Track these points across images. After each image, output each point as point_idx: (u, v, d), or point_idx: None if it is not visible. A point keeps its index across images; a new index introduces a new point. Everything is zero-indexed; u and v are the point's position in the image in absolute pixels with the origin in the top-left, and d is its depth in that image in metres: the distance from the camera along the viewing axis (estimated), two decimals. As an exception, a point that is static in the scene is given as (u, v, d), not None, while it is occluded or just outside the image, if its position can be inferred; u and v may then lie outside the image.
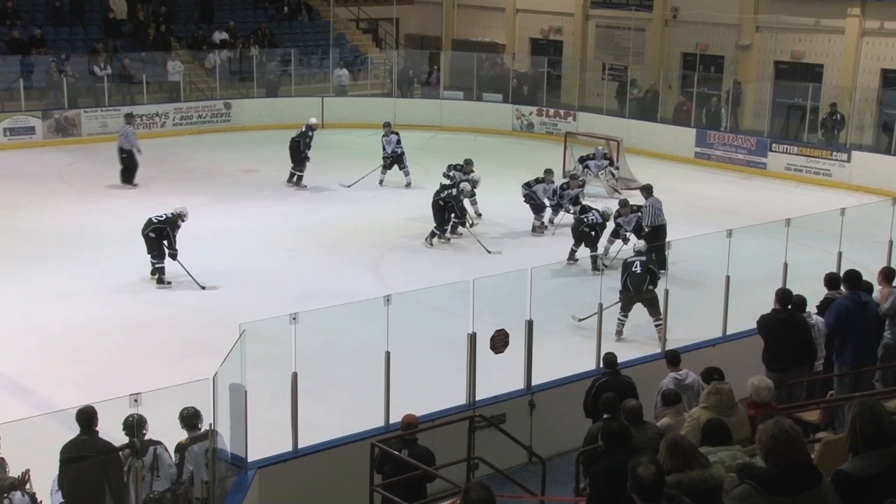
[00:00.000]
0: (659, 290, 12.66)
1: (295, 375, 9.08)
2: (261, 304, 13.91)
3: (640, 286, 12.75)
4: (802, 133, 25.05)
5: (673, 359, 9.89)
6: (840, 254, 13.72)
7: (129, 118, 22.59)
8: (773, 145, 24.22)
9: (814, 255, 14.91)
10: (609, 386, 9.33)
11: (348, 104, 29.11)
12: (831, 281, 10.94)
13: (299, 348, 8.99)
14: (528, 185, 18.66)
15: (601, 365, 10.32)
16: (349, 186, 21.84)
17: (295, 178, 21.94)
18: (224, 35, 30.43)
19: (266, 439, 9.34)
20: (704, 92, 27.28)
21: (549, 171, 18.88)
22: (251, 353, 8.56)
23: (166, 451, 7.95)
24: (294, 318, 8.78)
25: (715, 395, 7.40)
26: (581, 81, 30.09)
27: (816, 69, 26.67)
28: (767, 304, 10.37)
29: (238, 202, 20.54)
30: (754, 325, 10.58)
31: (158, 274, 15.32)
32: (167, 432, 8.19)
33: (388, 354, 9.72)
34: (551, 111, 28.37)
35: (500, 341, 10.48)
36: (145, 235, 15.23)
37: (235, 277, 15.81)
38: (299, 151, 21.70)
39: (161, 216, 15.29)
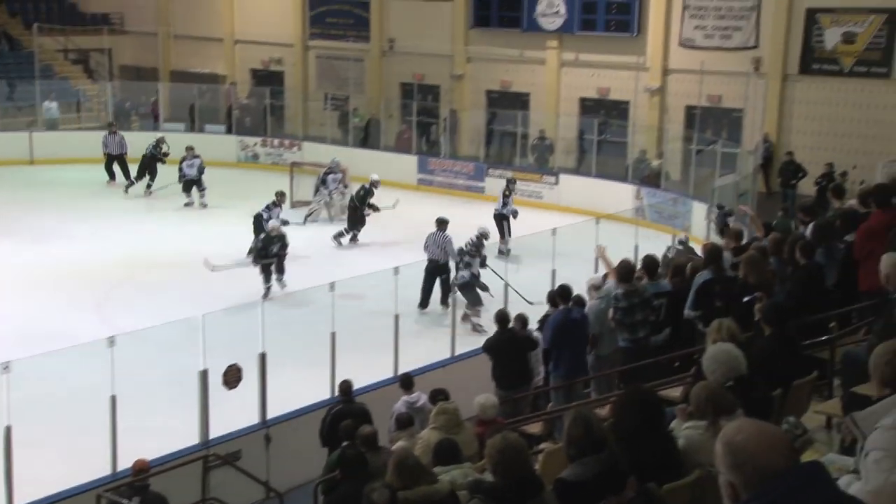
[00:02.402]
0: (384, 318, 12.77)
1: (8, 429, 8.42)
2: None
3: None
4: (515, 158, 26.39)
5: (406, 382, 10.06)
6: (554, 271, 14.55)
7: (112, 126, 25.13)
8: (490, 170, 25.33)
9: (530, 273, 15.70)
10: (344, 413, 9.36)
11: (60, 139, 27.52)
12: (551, 298, 11.55)
13: (14, 398, 8.35)
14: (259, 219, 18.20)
15: (336, 393, 10.33)
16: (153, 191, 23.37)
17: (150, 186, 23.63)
18: None
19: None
20: (424, 120, 28.15)
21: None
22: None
23: None
24: (5, 367, 8.16)
25: (442, 415, 7.59)
26: (304, 111, 30.14)
27: (524, 97, 28.23)
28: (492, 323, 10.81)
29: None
30: (480, 345, 10.99)
31: None
32: None
33: (113, 398, 9.24)
34: (276, 141, 28.22)
35: (232, 376, 10.25)
36: None
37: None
38: (155, 162, 23.58)
39: None
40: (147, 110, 30.23)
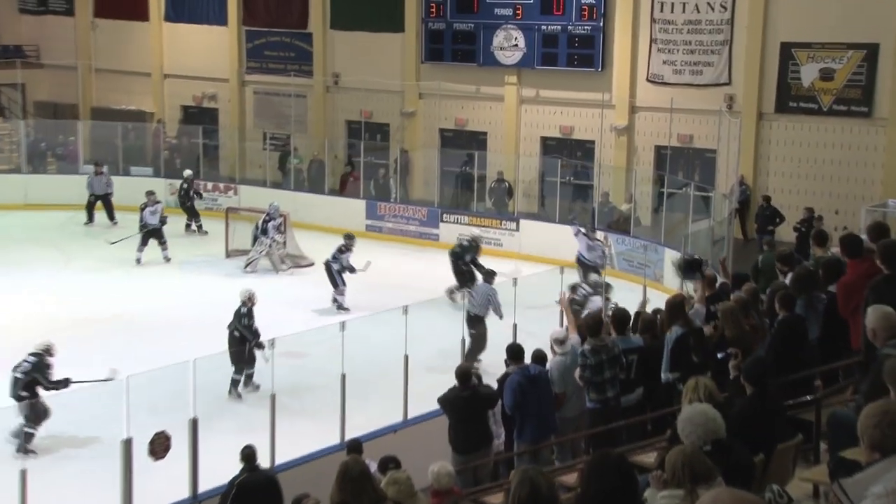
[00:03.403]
0: (329, 378, 12.69)
1: None
2: None
3: None
4: (472, 202, 26.53)
5: (355, 448, 9.98)
6: (515, 325, 14.60)
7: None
8: (445, 215, 25.44)
9: (491, 327, 15.72)
10: (249, 483, 9.28)
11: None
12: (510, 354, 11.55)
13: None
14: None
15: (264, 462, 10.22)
16: (114, 243, 22.21)
17: (194, 227, 25.06)
18: None
19: None
20: (372, 161, 28.23)
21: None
22: None
23: None
24: None
25: (393, 486, 7.50)
26: (241, 152, 30.11)
27: (480, 137, 28.45)
28: (448, 382, 10.77)
29: None
30: (436, 406, 10.94)
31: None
32: None
33: (23, 472, 9.05)
34: (209, 185, 28.09)
35: (160, 445, 10.11)
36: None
37: None
38: (188, 201, 25.01)
39: (26, 363, 12.71)
40: (65, 151, 29.98)
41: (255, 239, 22.04)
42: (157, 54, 33.07)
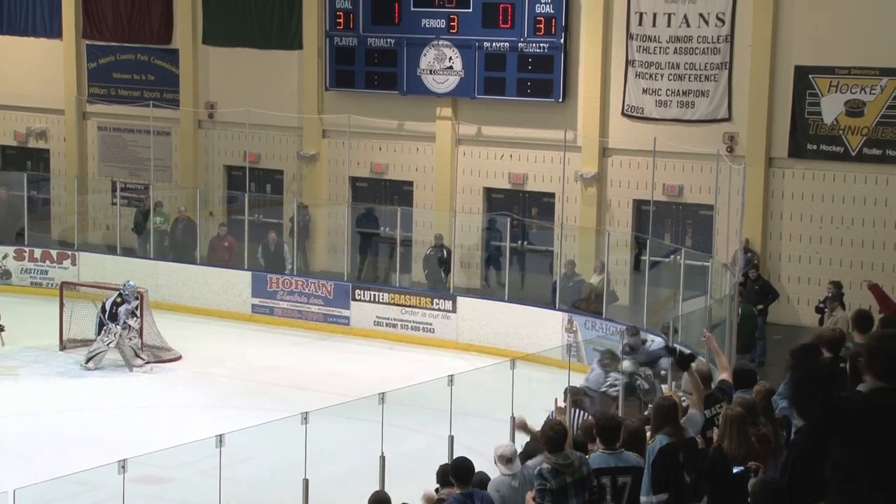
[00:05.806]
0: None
1: None
2: None
3: None
4: (393, 274, 26.50)
5: None
6: (451, 437, 14.65)
7: None
8: (358, 292, 25.40)
9: (419, 440, 15.77)
10: None
11: None
12: (443, 477, 11.57)
13: None
14: None
15: None
16: None
17: None
18: None
19: None
20: (260, 219, 28.13)
21: None
22: None
23: None
24: None
25: None
26: (81, 208, 29.84)
27: (404, 188, 28.60)
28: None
29: None
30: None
31: None
32: None
33: None
34: (37, 252, 27.83)
35: None
36: None
37: None
38: None
39: None
40: None
41: (101, 326, 21.83)
42: (-38, 76, 32.88)
